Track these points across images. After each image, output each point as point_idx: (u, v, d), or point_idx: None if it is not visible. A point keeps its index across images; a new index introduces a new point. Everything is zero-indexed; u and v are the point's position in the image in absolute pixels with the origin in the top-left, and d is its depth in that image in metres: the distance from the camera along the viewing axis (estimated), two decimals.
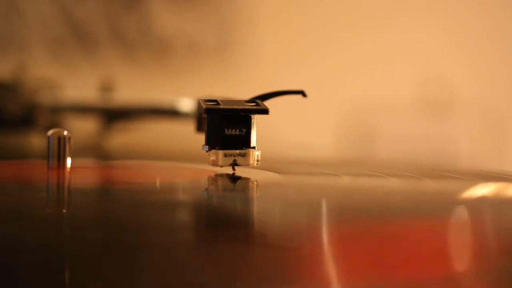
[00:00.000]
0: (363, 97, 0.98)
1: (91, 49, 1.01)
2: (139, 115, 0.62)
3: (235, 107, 0.33)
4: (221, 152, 0.32)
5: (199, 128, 0.40)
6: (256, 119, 0.33)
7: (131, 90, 0.64)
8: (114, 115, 0.62)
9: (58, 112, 0.64)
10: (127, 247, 0.21)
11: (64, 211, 0.27)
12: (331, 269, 0.20)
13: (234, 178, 0.34)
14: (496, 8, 1.00)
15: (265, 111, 0.33)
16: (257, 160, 0.33)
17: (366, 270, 0.19)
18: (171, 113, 0.60)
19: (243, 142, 0.33)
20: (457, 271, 0.20)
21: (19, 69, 0.66)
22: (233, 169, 0.34)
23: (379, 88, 0.98)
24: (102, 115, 0.62)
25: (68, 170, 0.34)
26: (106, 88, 0.63)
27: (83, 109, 0.63)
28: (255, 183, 0.34)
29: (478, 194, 0.33)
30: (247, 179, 0.34)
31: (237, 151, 0.33)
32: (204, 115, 0.33)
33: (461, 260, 0.21)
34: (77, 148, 0.36)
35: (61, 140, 0.34)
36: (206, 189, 0.34)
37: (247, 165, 0.33)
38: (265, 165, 0.34)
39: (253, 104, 0.33)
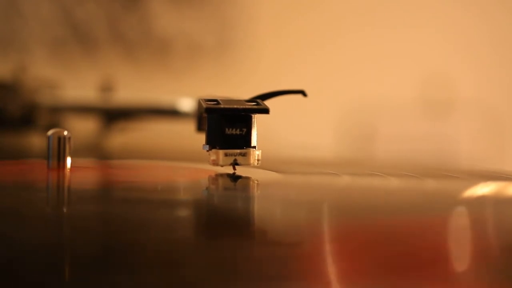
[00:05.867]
0: (363, 97, 0.98)
1: (91, 49, 1.01)
2: (139, 115, 0.62)
3: (235, 106, 0.33)
4: (221, 152, 0.32)
5: (199, 128, 0.40)
6: (257, 118, 0.33)
7: (131, 90, 0.64)
8: (114, 115, 0.62)
9: (58, 112, 0.63)
10: (128, 247, 0.21)
11: (64, 211, 0.27)
12: (331, 268, 0.20)
13: (234, 178, 0.34)
14: (495, 9, 1.00)
15: (265, 111, 0.33)
16: (258, 160, 0.33)
17: (366, 269, 0.19)
18: (171, 113, 0.60)
19: (244, 141, 0.33)
20: (457, 271, 0.20)
21: (19, 69, 0.65)
22: (234, 168, 0.34)
23: (379, 88, 0.98)
24: (102, 115, 0.62)
25: (68, 170, 0.34)
26: (106, 88, 0.63)
27: (83, 109, 0.63)
28: (256, 182, 0.34)
29: (478, 194, 0.33)
30: (247, 178, 0.34)
31: (238, 151, 0.33)
32: (205, 115, 0.33)
33: (462, 259, 0.21)
34: (77, 148, 0.36)
35: (61, 140, 0.34)
36: (207, 188, 0.34)
37: (247, 164, 0.33)
38: (266, 164, 0.34)
39: (254, 103, 0.33)
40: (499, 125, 0.98)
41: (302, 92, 0.35)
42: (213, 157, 0.33)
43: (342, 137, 0.98)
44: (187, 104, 0.59)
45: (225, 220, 0.25)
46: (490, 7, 1.00)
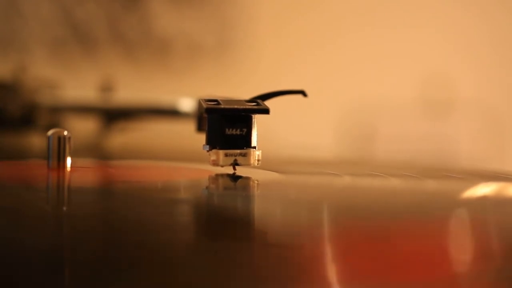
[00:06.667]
0: (363, 97, 0.98)
1: (91, 49, 1.01)
2: (139, 115, 0.62)
3: (235, 106, 0.33)
4: (221, 152, 0.32)
5: (199, 128, 0.40)
6: (257, 118, 0.33)
7: (131, 90, 0.64)
8: (114, 115, 0.62)
9: (58, 112, 0.63)
10: (128, 247, 0.21)
11: (64, 211, 0.27)
12: (331, 269, 0.20)
13: (234, 178, 0.33)
14: (495, 9, 1.00)
15: (266, 111, 0.33)
16: (258, 160, 0.33)
17: (366, 270, 0.19)
18: (171, 113, 0.60)
19: (244, 141, 0.33)
20: (457, 271, 0.20)
21: (19, 69, 0.65)
22: (234, 168, 0.33)
23: (379, 88, 0.98)
24: (102, 115, 0.62)
25: (68, 170, 0.34)
26: (106, 88, 0.63)
27: (83, 109, 0.63)
28: (256, 182, 0.34)
29: (479, 194, 0.33)
30: (247, 178, 0.34)
31: (238, 151, 0.33)
32: (205, 115, 0.33)
33: (462, 260, 0.21)
34: (77, 148, 0.36)
35: (61, 140, 0.34)
36: (207, 188, 0.34)
37: (247, 164, 0.33)
38: (266, 164, 0.34)
39: (254, 104, 0.33)
40: (499, 125, 0.98)
41: (302, 92, 0.35)
42: (213, 157, 0.33)
43: (342, 137, 0.98)
44: (187, 104, 0.59)
45: (225, 220, 0.25)
46: (490, 7, 1.00)
